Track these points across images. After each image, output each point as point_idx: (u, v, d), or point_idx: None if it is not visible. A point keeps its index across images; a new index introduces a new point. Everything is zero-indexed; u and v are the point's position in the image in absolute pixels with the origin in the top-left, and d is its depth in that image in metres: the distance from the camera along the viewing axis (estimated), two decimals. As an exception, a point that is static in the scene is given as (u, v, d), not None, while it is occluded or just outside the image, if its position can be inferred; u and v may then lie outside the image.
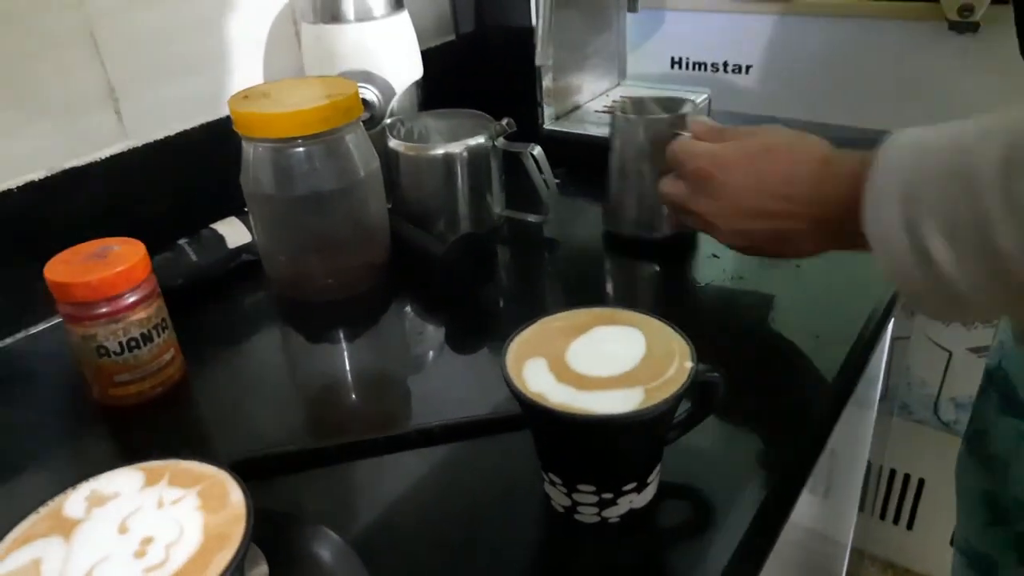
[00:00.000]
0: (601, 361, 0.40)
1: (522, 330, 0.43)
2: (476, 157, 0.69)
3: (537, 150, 0.69)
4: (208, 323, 0.64)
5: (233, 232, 0.69)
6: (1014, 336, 0.59)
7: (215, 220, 0.70)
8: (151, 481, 0.33)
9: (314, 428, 0.53)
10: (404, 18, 0.76)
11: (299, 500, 0.46)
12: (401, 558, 0.41)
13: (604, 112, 0.93)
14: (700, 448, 0.47)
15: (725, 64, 1.13)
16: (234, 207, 0.70)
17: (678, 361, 0.39)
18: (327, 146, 0.59)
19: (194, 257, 0.66)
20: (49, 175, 0.62)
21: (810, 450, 0.48)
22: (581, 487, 0.40)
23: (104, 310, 0.50)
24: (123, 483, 0.33)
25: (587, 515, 0.42)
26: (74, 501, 0.32)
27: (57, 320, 0.61)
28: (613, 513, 0.41)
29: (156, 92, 0.68)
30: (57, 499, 0.32)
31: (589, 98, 0.96)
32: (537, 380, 0.39)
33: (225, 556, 0.29)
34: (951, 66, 0.96)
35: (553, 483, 0.42)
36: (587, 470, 0.40)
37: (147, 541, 0.30)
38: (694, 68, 1.16)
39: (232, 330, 0.64)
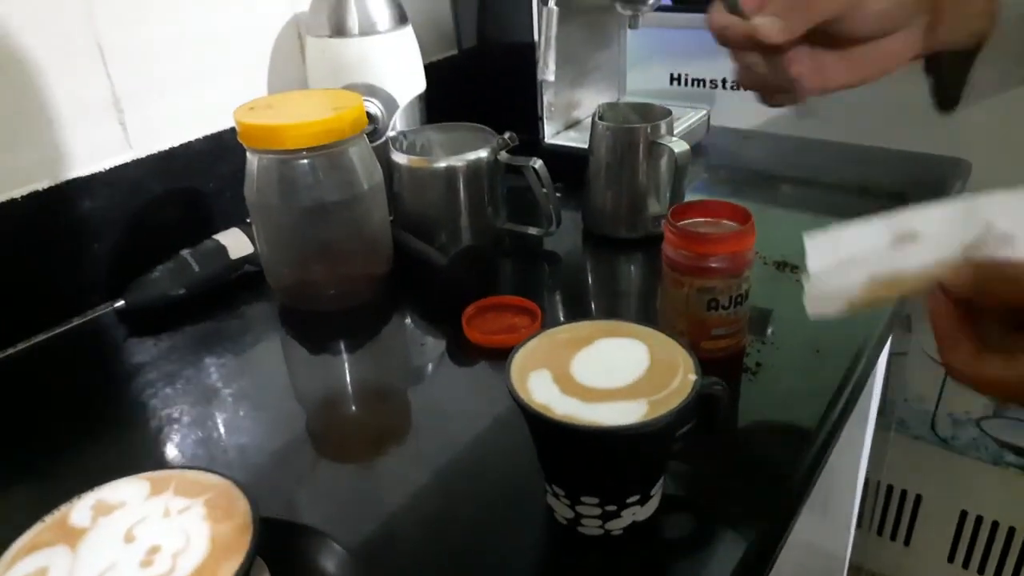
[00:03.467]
0: (605, 373, 0.40)
1: (526, 342, 0.43)
2: (478, 170, 0.69)
3: (539, 164, 0.70)
4: (211, 332, 0.64)
5: (236, 243, 0.69)
6: None
7: (218, 231, 0.70)
8: (157, 490, 0.33)
9: (317, 436, 0.53)
10: (408, 32, 0.76)
11: (303, 508, 0.46)
12: (403, 570, 0.41)
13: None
14: (701, 462, 0.47)
15: (724, 81, 1.14)
16: (237, 218, 0.70)
17: (682, 374, 0.40)
18: (331, 158, 0.60)
19: (196, 267, 0.66)
20: (53, 185, 0.62)
21: (810, 466, 0.49)
22: (585, 499, 0.41)
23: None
24: (129, 492, 0.33)
25: (590, 527, 0.42)
26: (80, 510, 0.32)
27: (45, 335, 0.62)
28: (616, 526, 0.41)
29: (161, 103, 0.68)
30: (63, 508, 0.32)
31: (589, 113, 0.97)
32: (542, 392, 0.39)
33: (231, 566, 0.29)
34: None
35: (556, 495, 0.42)
36: (591, 482, 0.40)
37: (154, 550, 0.30)
38: (693, 85, 1.17)
39: (234, 339, 0.64)
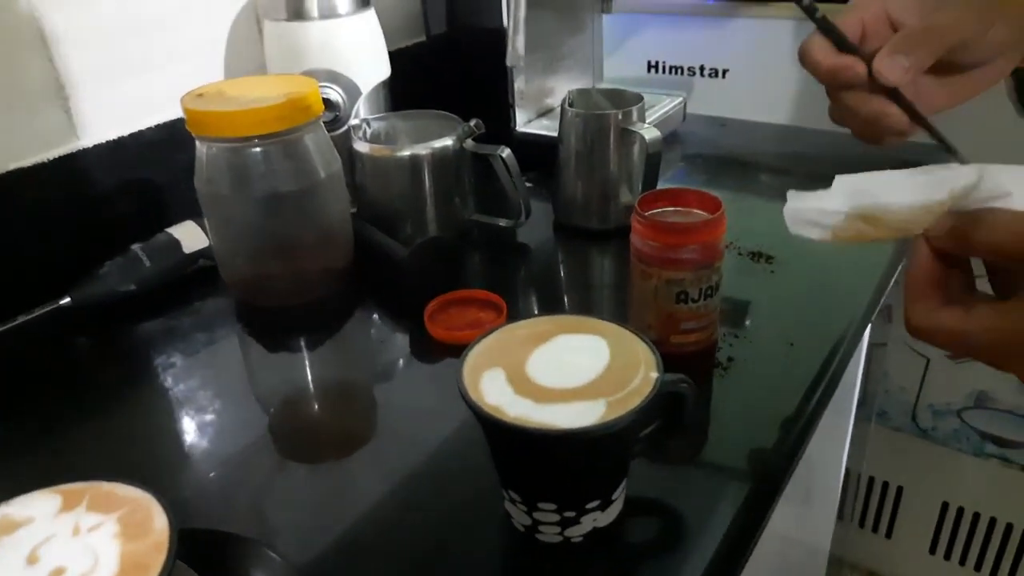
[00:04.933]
0: (562, 372, 0.38)
1: (481, 339, 0.41)
2: (443, 159, 0.67)
3: (506, 152, 0.67)
4: (162, 330, 0.61)
5: (189, 236, 0.66)
6: None
7: (172, 224, 0.67)
8: (68, 506, 0.30)
9: (274, 439, 0.51)
10: (371, 16, 0.73)
11: (256, 515, 0.43)
12: None
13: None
14: (669, 460, 0.45)
15: (702, 68, 1.12)
16: (192, 211, 0.67)
17: (643, 371, 0.37)
18: (285, 146, 0.57)
19: (148, 262, 0.64)
20: (-6, 175, 0.59)
21: (785, 460, 0.47)
22: (542, 505, 0.38)
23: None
24: (38, 508, 0.30)
25: (549, 535, 0.39)
26: (-20, 528, 0.29)
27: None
28: (576, 532, 0.39)
29: (110, 90, 0.65)
30: (-38, 526, 0.29)
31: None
32: (495, 393, 0.37)
33: (143, 588, 0.26)
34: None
35: (513, 501, 0.40)
36: (547, 487, 0.38)
37: (57, 572, 0.27)
38: (671, 72, 1.14)
39: (187, 337, 0.61)
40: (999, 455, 1.18)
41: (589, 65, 0.98)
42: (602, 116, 0.67)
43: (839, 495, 1.06)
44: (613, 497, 0.40)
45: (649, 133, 0.64)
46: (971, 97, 0.48)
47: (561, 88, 0.94)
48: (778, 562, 0.80)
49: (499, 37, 0.81)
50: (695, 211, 0.53)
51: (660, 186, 0.69)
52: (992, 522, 1.23)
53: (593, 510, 0.39)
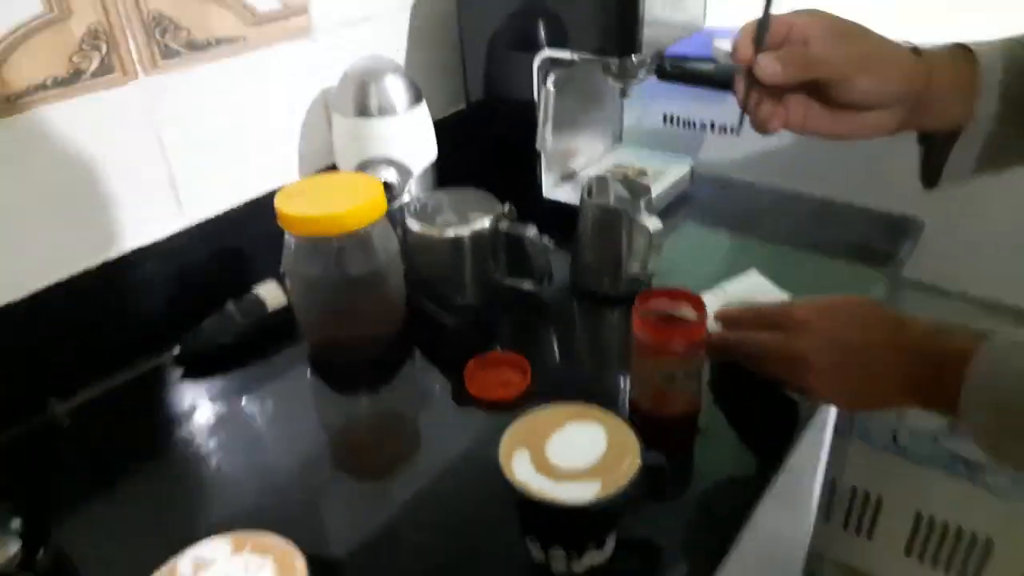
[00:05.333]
0: (571, 454, 0.52)
1: (512, 424, 0.55)
2: (481, 238, 0.81)
3: (534, 232, 0.81)
4: (252, 374, 0.76)
5: (272, 295, 0.81)
6: None
7: (255, 281, 0.82)
8: (237, 549, 0.45)
9: (335, 467, 0.67)
10: (422, 109, 0.87)
11: (324, 532, 0.59)
12: None
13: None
14: (654, 510, 0.59)
15: (712, 124, 1.24)
16: (271, 268, 0.82)
17: (630, 457, 0.51)
18: (357, 240, 0.71)
19: (239, 318, 0.78)
20: (120, 255, 0.74)
21: (742, 507, 0.60)
22: (551, 549, 0.53)
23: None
24: (217, 550, 0.45)
25: (558, 567, 0.54)
26: (184, 565, 0.44)
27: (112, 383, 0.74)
28: (579, 567, 0.54)
29: (209, 178, 0.80)
30: (169, 563, 0.45)
31: (585, 163, 1.07)
32: (522, 470, 0.51)
33: (296, 613, 0.41)
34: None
35: (532, 542, 0.54)
36: (556, 537, 0.53)
37: (241, 599, 0.42)
38: (685, 126, 1.26)
39: (270, 382, 0.76)
40: (967, 475, 1.31)
41: (609, 128, 1.11)
42: (615, 210, 0.80)
43: (819, 500, 1.21)
44: (606, 540, 0.54)
45: (653, 225, 0.78)
46: (855, 136, 0.58)
47: (583, 150, 1.07)
48: (762, 559, 0.94)
49: (529, 108, 0.94)
50: (683, 306, 0.67)
51: (666, 251, 0.82)
52: (959, 531, 1.37)
53: (591, 550, 0.53)
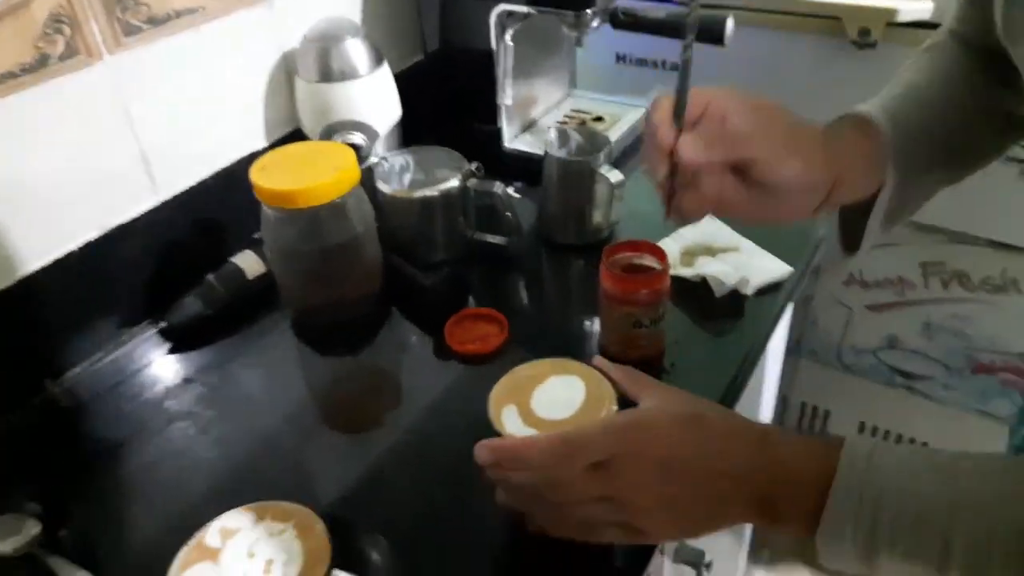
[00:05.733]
0: (555, 406, 0.57)
1: (500, 380, 0.59)
2: (450, 197, 0.83)
3: (502, 188, 0.84)
4: (237, 342, 0.79)
5: (250, 264, 0.83)
6: None
7: (232, 251, 0.84)
8: (260, 518, 0.50)
9: (328, 427, 0.71)
10: (384, 72, 0.88)
11: (298, 471, 0.65)
12: (388, 520, 0.59)
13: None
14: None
15: (664, 62, 1.27)
16: (246, 236, 0.84)
17: (607, 404, 0.56)
18: (333, 209, 0.74)
19: (221, 290, 0.81)
20: (100, 234, 0.75)
21: (727, 399, 0.69)
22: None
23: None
24: (241, 520, 0.49)
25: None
26: (212, 534, 0.49)
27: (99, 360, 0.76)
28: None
29: (179, 151, 0.80)
30: (198, 534, 0.49)
31: (543, 111, 1.10)
32: (511, 424, 0.56)
33: (322, 569, 0.46)
34: (855, 78, 1.11)
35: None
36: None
37: (269, 562, 0.47)
38: (638, 64, 1.29)
39: (255, 345, 0.79)
40: (905, 386, 1.42)
41: (564, 75, 1.13)
42: (577, 162, 0.84)
43: (772, 417, 1.30)
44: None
45: (615, 177, 0.82)
46: (775, 221, 0.55)
47: (541, 98, 1.09)
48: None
49: (487, 57, 0.95)
50: (646, 257, 0.72)
51: (625, 199, 0.86)
52: (899, 438, 1.49)
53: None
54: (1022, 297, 1.21)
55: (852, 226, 0.60)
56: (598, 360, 0.59)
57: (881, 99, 0.58)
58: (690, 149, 0.50)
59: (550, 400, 0.58)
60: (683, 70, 0.51)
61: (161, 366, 0.77)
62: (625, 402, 0.55)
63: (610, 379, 0.57)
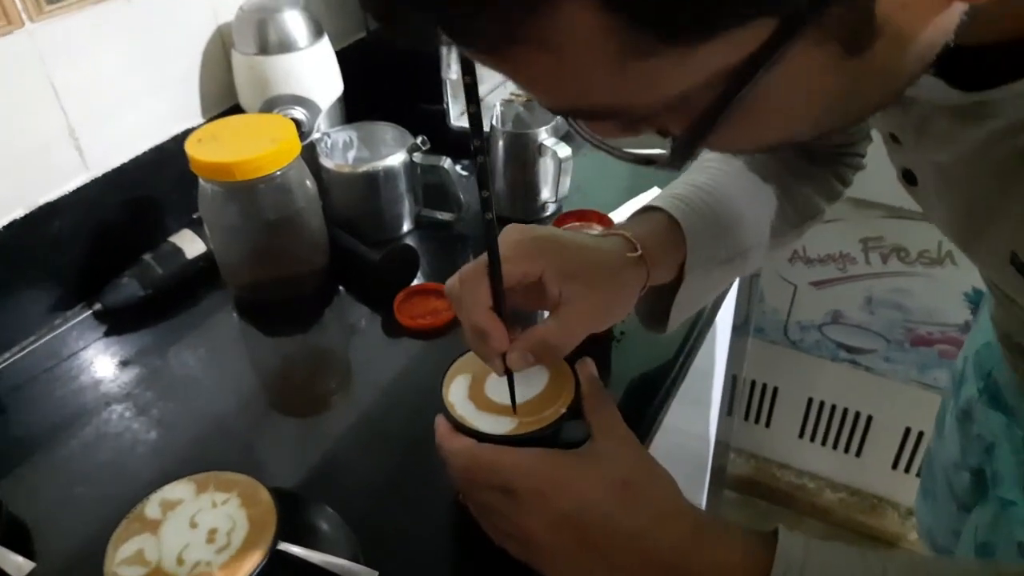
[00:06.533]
0: (505, 392, 0.52)
1: (456, 360, 0.57)
2: (395, 171, 0.82)
3: (447, 163, 0.83)
4: (178, 325, 0.77)
5: (189, 244, 0.80)
6: (1008, 364, 0.63)
7: (170, 230, 0.81)
8: (202, 489, 0.48)
9: (271, 405, 0.69)
10: (324, 44, 0.86)
11: (248, 454, 0.63)
12: (344, 494, 0.57)
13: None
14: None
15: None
16: (184, 215, 0.81)
17: (557, 407, 0.51)
18: (273, 182, 0.72)
19: (159, 270, 0.78)
20: (27, 212, 0.71)
21: (672, 370, 0.68)
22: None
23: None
24: (183, 491, 0.48)
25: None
26: (151, 507, 0.47)
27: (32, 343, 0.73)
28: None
29: (110, 125, 0.77)
30: (138, 507, 0.47)
31: (489, 89, 1.09)
32: (456, 395, 0.53)
33: (268, 535, 0.45)
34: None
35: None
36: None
37: (213, 531, 0.45)
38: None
39: (197, 327, 0.77)
40: (850, 360, 1.45)
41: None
42: (524, 135, 0.83)
43: (724, 396, 1.31)
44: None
45: (563, 152, 0.81)
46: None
47: (488, 74, 1.08)
48: (674, 450, 1.03)
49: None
50: (596, 228, 0.72)
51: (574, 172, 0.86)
52: (844, 411, 1.53)
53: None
54: (958, 269, 1.25)
55: (660, 307, 0.59)
56: (588, 365, 0.54)
57: (674, 189, 0.59)
58: (521, 362, 0.49)
59: (504, 380, 0.52)
60: (488, 232, 0.47)
61: (97, 349, 0.74)
62: (576, 412, 0.51)
63: (577, 382, 0.52)
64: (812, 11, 0.26)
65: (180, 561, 0.44)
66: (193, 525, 0.46)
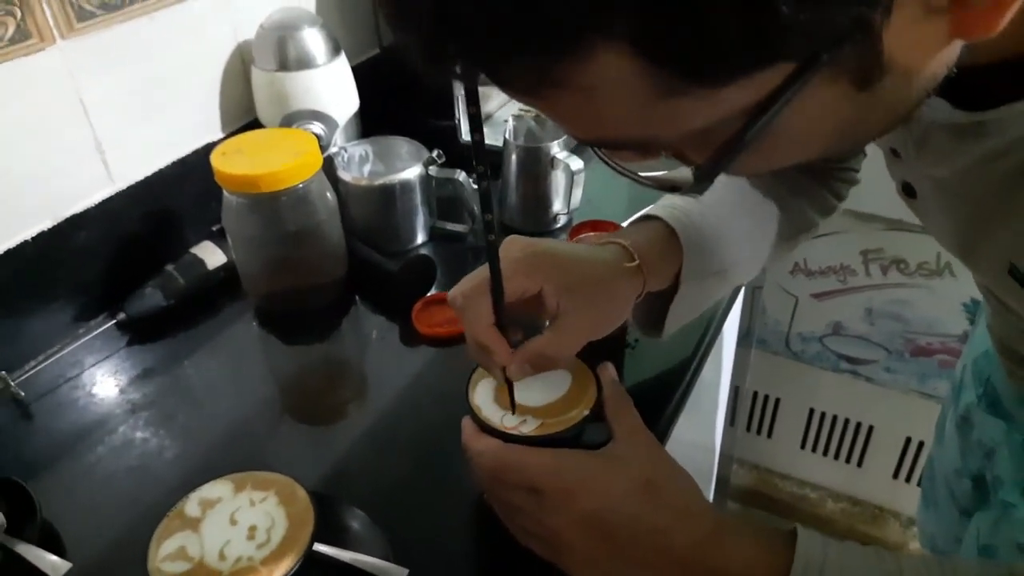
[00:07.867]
0: (531, 393, 0.54)
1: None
2: (411, 184, 0.84)
3: (462, 176, 0.85)
4: (201, 334, 0.78)
5: (210, 255, 0.82)
6: (1005, 371, 0.64)
7: (191, 241, 0.83)
8: (240, 488, 0.49)
9: (291, 411, 0.71)
10: (342, 61, 0.88)
11: (273, 456, 0.65)
12: (362, 496, 0.59)
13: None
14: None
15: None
16: (205, 226, 0.83)
17: (580, 409, 0.52)
18: (295, 194, 0.73)
19: (181, 280, 0.79)
20: (54, 224, 0.73)
21: (682, 381, 0.70)
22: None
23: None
24: (221, 490, 0.49)
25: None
26: (191, 505, 0.48)
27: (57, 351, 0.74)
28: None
29: (134, 139, 0.79)
30: (178, 505, 0.48)
31: (499, 103, 1.11)
32: (481, 396, 0.55)
33: (307, 532, 0.46)
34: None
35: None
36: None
37: (252, 528, 0.46)
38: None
39: (218, 335, 0.78)
40: (850, 370, 1.47)
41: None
42: (537, 149, 0.85)
43: (727, 407, 1.33)
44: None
45: (575, 164, 0.83)
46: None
47: (496, 91, 1.11)
48: (680, 460, 1.04)
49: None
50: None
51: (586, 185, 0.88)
52: (846, 422, 1.55)
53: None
54: (956, 281, 1.28)
55: (657, 313, 0.60)
56: (609, 369, 0.55)
57: (662, 204, 0.60)
58: (520, 373, 0.51)
59: (532, 386, 0.54)
60: (490, 252, 0.47)
61: (121, 358, 0.75)
62: (598, 414, 0.52)
63: (599, 385, 0.54)
64: (827, 54, 0.28)
65: (222, 556, 0.45)
66: (233, 522, 0.47)
